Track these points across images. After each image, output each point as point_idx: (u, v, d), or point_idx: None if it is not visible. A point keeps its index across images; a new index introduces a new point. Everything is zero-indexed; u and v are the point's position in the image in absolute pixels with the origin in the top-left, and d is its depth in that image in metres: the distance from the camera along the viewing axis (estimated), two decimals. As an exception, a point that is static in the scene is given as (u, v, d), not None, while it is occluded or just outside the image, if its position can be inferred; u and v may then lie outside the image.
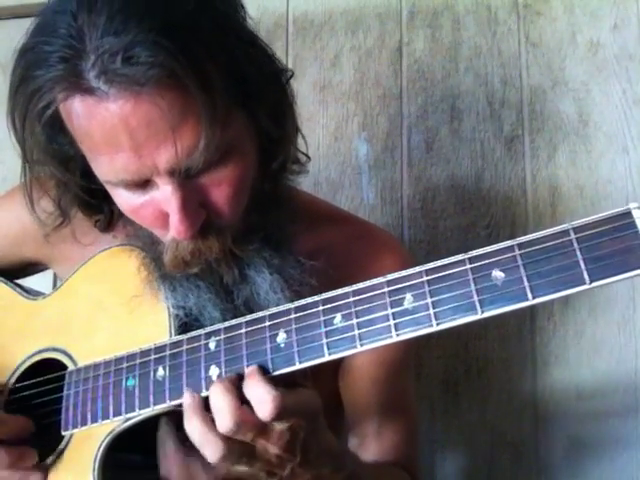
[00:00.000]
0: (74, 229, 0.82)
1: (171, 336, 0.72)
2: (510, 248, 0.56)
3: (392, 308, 0.60)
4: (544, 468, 1.23)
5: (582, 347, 1.24)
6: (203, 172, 0.65)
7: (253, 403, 0.61)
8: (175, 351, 0.70)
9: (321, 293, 0.65)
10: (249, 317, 0.67)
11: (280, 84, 0.73)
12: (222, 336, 0.68)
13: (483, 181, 1.31)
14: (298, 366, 0.63)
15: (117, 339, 0.77)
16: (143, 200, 0.67)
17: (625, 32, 1.28)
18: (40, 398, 0.83)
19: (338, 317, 0.62)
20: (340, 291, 0.63)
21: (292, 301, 0.66)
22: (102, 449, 0.71)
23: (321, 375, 0.87)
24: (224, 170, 0.66)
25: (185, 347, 0.69)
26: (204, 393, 0.66)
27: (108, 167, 0.64)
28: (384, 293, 0.60)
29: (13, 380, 0.85)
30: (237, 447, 0.62)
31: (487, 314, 0.56)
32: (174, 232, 0.66)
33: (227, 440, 0.62)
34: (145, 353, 0.72)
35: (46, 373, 0.83)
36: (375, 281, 0.62)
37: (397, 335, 0.59)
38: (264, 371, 0.64)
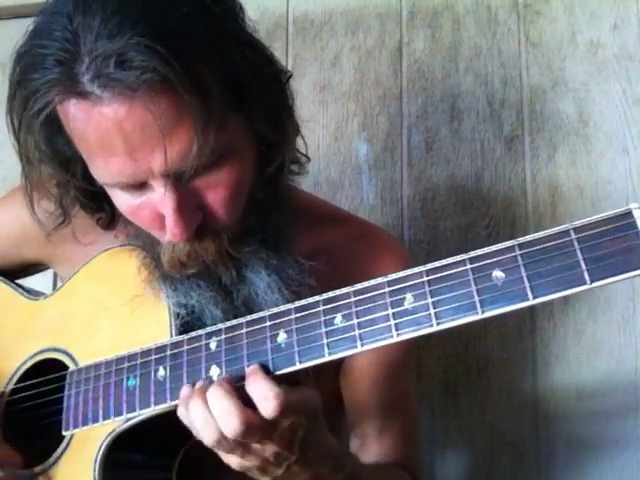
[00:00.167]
0: (74, 229, 0.82)
1: (172, 335, 0.72)
2: (510, 248, 0.56)
3: (392, 308, 0.60)
4: (544, 468, 1.23)
5: (582, 347, 1.24)
6: (199, 175, 0.65)
7: (256, 400, 0.61)
8: (176, 351, 0.70)
9: (321, 293, 0.65)
10: (250, 317, 0.67)
11: (278, 87, 0.73)
12: (223, 336, 0.68)
13: (483, 181, 1.31)
14: (298, 366, 0.63)
15: (118, 339, 0.77)
16: (140, 201, 0.68)
17: (625, 32, 1.28)
18: (41, 398, 0.83)
19: (339, 317, 0.62)
20: (340, 291, 0.63)
21: (290, 301, 0.66)
22: (103, 449, 0.71)
23: (322, 375, 0.87)
24: (220, 173, 0.67)
25: (186, 347, 0.70)
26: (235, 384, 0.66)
27: (104, 170, 0.65)
28: (385, 293, 0.60)
29: (14, 380, 0.85)
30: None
31: (487, 314, 0.56)
32: (169, 234, 0.67)
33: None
34: (146, 353, 0.72)
35: (47, 373, 0.83)
36: (376, 281, 0.62)
37: (397, 335, 0.59)
38: (266, 370, 0.64)
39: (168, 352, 0.70)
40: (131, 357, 0.73)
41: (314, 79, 1.38)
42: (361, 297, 0.62)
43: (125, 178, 0.64)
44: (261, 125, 0.70)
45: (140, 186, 0.66)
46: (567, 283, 0.53)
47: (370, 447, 0.89)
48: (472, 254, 0.58)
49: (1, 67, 1.39)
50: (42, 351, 0.84)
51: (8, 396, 0.85)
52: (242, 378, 0.64)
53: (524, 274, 0.55)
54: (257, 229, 0.74)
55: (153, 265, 0.75)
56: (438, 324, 0.57)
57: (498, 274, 0.56)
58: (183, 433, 0.65)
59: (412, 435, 0.92)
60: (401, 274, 0.60)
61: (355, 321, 0.61)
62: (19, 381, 0.85)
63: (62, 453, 0.77)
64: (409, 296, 0.59)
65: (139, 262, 0.76)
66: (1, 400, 0.84)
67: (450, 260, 0.59)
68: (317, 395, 0.65)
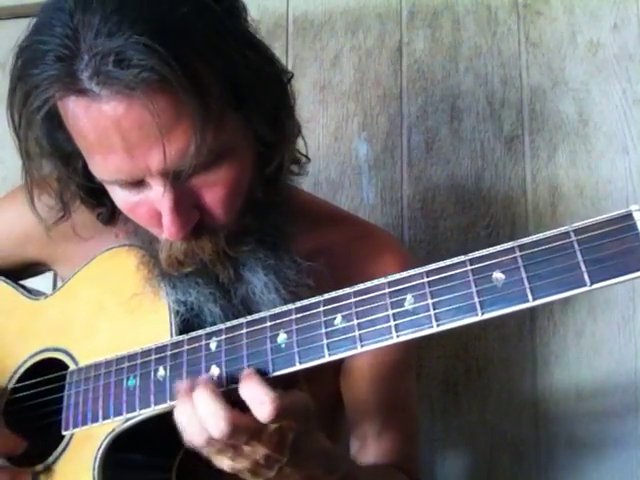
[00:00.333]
0: (74, 224, 0.82)
1: (172, 333, 0.72)
2: (511, 250, 0.56)
3: (393, 309, 0.60)
4: (544, 468, 1.23)
5: (582, 347, 1.24)
6: (197, 174, 0.65)
7: (251, 405, 0.61)
8: (176, 351, 0.70)
9: (320, 294, 0.65)
10: (250, 317, 0.67)
11: (279, 87, 0.73)
12: (223, 336, 0.68)
13: (483, 181, 1.31)
14: (298, 367, 0.63)
15: (118, 338, 0.77)
16: (138, 199, 0.68)
17: (625, 32, 1.28)
18: (41, 398, 0.83)
19: (339, 318, 0.62)
20: (341, 292, 0.63)
21: (288, 302, 0.66)
22: (102, 449, 0.72)
23: (322, 376, 0.88)
24: (218, 172, 0.67)
25: (186, 347, 0.70)
26: (225, 387, 0.66)
27: (102, 167, 0.65)
28: (385, 294, 0.61)
29: (15, 379, 0.85)
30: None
31: (487, 315, 0.56)
32: (166, 233, 0.67)
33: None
34: (146, 353, 0.72)
35: (48, 373, 0.83)
36: (376, 282, 0.62)
37: (398, 336, 0.59)
38: (261, 373, 0.64)
39: (168, 352, 0.70)
40: (131, 357, 0.73)
41: (314, 79, 1.38)
42: (361, 298, 0.62)
43: (123, 175, 0.65)
44: (260, 125, 0.70)
45: (138, 184, 0.66)
46: (567, 285, 0.53)
47: (370, 448, 0.89)
48: (472, 255, 0.58)
49: (1, 67, 1.39)
50: (42, 350, 0.84)
51: (8, 395, 0.85)
52: (235, 381, 0.64)
53: (524, 275, 0.55)
54: (254, 229, 0.74)
55: (152, 263, 0.75)
56: (438, 325, 0.57)
57: (498, 275, 0.56)
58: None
59: (412, 435, 0.92)
60: (401, 275, 0.61)
61: (355, 322, 0.61)
62: (19, 380, 0.85)
63: (62, 452, 0.77)
64: (409, 297, 0.59)
65: (138, 261, 0.76)
66: (1, 399, 0.84)
67: (450, 261, 0.59)
68: (309, 398, 0.65)
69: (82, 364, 0.79)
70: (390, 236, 0.99)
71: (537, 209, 1.28)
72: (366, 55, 1.37)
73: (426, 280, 0.59)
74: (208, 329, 0.70)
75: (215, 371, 0.67)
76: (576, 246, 0.53)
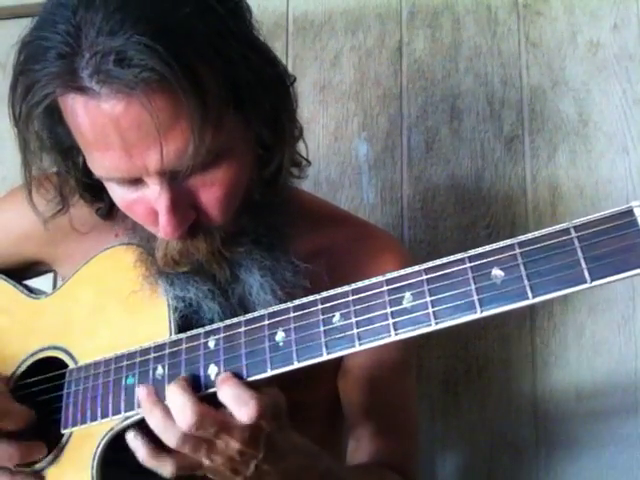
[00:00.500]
0: (72, 217, 0.82)
1: (171, 330, 0.72)
2: (510, 247, 0.56)
3: (391, 307, 0.59)
4: (544, 468, 1.23)
5: (582, 347, 1.24)
6: (194, 174, 0.65)
7: (234, 407, 0.62)
8: (174, 350, 0.70)
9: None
10: (248, 316, 0.67)
11: (280, 89, 0.73)
12: (221, 335, 0.68)
13: (483, 181, 1.31)
14: (297, 365, 0.63)
15: (118, 336, 0.77)
16: (135, 196, 0.68)
17: (625, 32, 1.28)
18: (41, 396, 0.83)
19: (337, 316, 0.62)
20: (339, 290, 0.63)
21: (284, 302, 0.66)
22: (101, 447, 0.71)
23: (322, 375, 0.88)
24: (216, 172, 0.67)
25: (184, 346, 0.69)
26: (203, 392, 0.66)
27: (100, 164, 0.65)
28: (383, 292, 0.60)
29: (15, 378, 0.85)
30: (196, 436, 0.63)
31: (486, 313, 0.56)
32: (162, 232, 0.67)
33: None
34: (145, 351, 0.72)
35: (47, 371, 0.83)
36: (374, 280, 0.61)
37: (396, 334, 0.59)
38: (236, 375, 0.65)
39: (167, 351, 0.70)
40: (130, 355, 0.73)
41: (314, 79, 1.38)
42: (359, 296, 0.61)
43: (120, 173, 0.65)
44: (260, 127, 0.70)
45: (135, 181, 0.66)
46: (567, 282, 0.53)
47: (365, 447, 0.89)
48: (471, 252, 0.58)
49: (1, 67, 1.39)
50: (42, 349, 0.84)
51: (13, 385, 0.85)
52: (196, 379, 0.66)
53: (524, 273, 0.55)
54: (251, 229, 0.75)
55: (149, 261, 0.75)
56: (437, 323, 0.57)
57: (497, 273, 0.56)
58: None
59: (410, 435, 0.92)
60: (400, 273, 0.60)
61: (353, 320, 0.61)
62: (19, 379, 0.85)
63: (61, 451, 0.77)
64: (408, 295, 0.59)
65: (136, 258, 0.76)
66: (6, 390, 0.84)
67: (449, 259, 0.58)
68: (281, 394, 0.66)
69: (81, 363, 0.79)
70: (390, 236, 0.99)
71: (537, 209, 1.28)
72: (366, 55, 1.37)
73: (424, 278, 0.59)
74: (207, 327, 0.69)
75: (214, 370, 0.67)
76: (576, 243, 0.53)
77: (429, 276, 0.59)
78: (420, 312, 0.58)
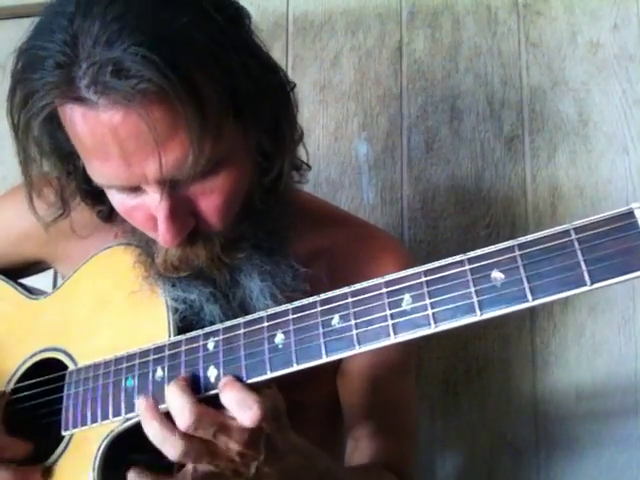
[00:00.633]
0: (72, 221, 0.82)
1: (170, 331, 0.72)
2: (510, 249, 0.56)
3: (390, 309, 0.59)
4: (544, 468, 1.23)
5: (582, 347, 1.24)
6: (194, 182, 0.66)
7: (237, 410, 0.62)
8: (174, 351, 0.70)
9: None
10: (248, 317, 0.67)
11: (280, 97, 0.73)
12: (221, 337, 0.68)
13: (483, 181, 1.30)
14: (296, 367, 0.62)
15: (117, 338, 0.77)
16: (135, 203, 0.68)
17: (625, 32, 1.28)
18: (41, 398, 0.83)
19: (336, 318, 0.62)
20: (338, 292, 0.63)
21: None
22: (102, 449, 0.71)
23: (322, 376, 0.88)
24: (215, 180, 0.67)
25: (184, 348, 0.69)
26: (203, 394, 0.66)
27: (99, 172, 0.65)
28: (382, 294, 0.60)
29: (14, 380, 0.85)
30: (197, 444, 0.63)
31: (486, 316, 0.56)
32: (161, 240, 0.67)
33: (186, 437, 0.63)
34: (144, 353, 0.72)
35: (47, 373, 0.83)
36: (373, 282, 0.61)
37: (395, 336, 0.59)
38: (237, 378, 0.65)
39: (166, 352, 0.70)
40: (129, 357, 0.73)
41: (314, 79, 1.38)
42: (359, 298, 0.61)
43: (120, 182, 0.65)
44: (260, 135, 0.70)
45: (135, 188, 0.66)
46: (567, 284, 0.53)
47: (363, 448, 0.89)
48: (471, 254, 0.57)
49: (1, 67, 1.39)
50: (42, 351, 0.84)
51: (8, 396, 0.84)
52: (195, 380, 0.66)
53: (523, 275, 0.54)
54: (251, 235, 0.75)
55: (148, 263, 0.75)
56: (436, 325, 0.57)
57: (497, 275, 0.56)
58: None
59: (408, 437, 0.92)
60: (399, 275, 0.60)
61: (353, 322, 0.61)
62: (19, 381, 0.85)
63: (61, 453, 0.77)
64: (407, 297, 0.59)
65: (135, 259, 0.77)
66: (1, 400, 0.84)
67: (448, 260, 0.58)
68: (280, 396, 0.66)
69: (81, 364, 0.79)
70: (390, 237, 0.99)
71: (537, 209, 1.28)
72: (366, 55, 1.37)
73: (424, 280, 0.58)
74: (206, 329, 0.69)
75: (213, 372, 0.67)
76: (576, 245, 0.53)
77: (428, 278, 0.58)
78: (419, 314, 0.58)
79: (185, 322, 0.73)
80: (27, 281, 0.97)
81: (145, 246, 0.75)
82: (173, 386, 0.65)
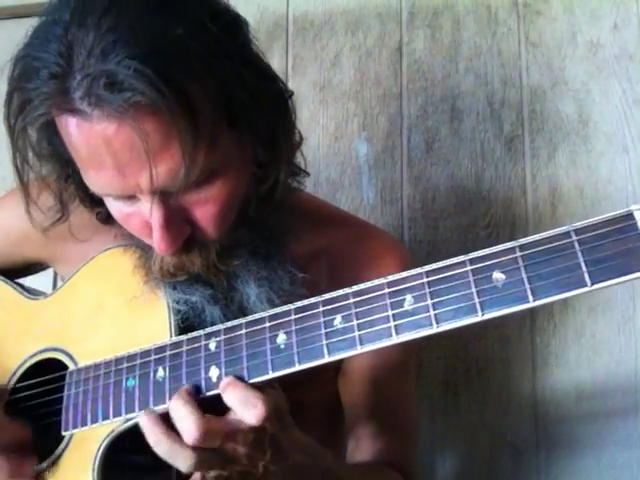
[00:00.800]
0: (71, 225, 0.82)
1: (171, 332, 0.72)
2: (511, 250, 0.56)
3: (392, 309, 0.59)
4: (544, 468, 1.23)
5: (582, 347, 1.24)
6: (188, 191, 0.66)
7: (241, 409, 0.62)
8: (175, 352, 0.70)
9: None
10: (249, 318, 0.67)
11: (276, 107, 0.73)
12: (222, 337, 0.68)
13: (483, 181, 1.31)
14: (298, 367, 0.63)
15: (118, 338, 0.77)
16: (131, 210, 0.69)
17: (625, 32, 1.28)
18: (41, 398, 0.83)
19: (338, 318, 0.62)
20: (340, 292, 0.63)
21: None
22: (102, 449, 0.71)
23: (323, 376, 0.88)
24: (211, 189, 0.67)
25: (185, 348, 0.69)
26: (204, 394, 0.66)
27: (95, 181, 0.66)
28: (384, 294, 0.60)
29: (14, 380, 0.85)
30: (207, 454, 0.63)
31: (487, 316, 0.56)
32: (156, 248, 0.68)
33: (196, 449, 0.62)
34: (145, 353, 0.72)
35: (47, 373, 0.83)
36: (375, 282, 0.61)
37: (397, 337, 0.59)
38: (240, 378, 0.65)
39: (167, 352, 0.70)
40: (130, 357, 0.73)
41: (314, 79, 1.38)
42: (361, 298, 0.61)
43: (114, 191, 0.66)
44: (256, 145, 0.70)
45: (131, 197, 0.67)
46: (568, 285, 0.53)
47: (365, 447, 0.89)
48: (472, 255, 0.57)
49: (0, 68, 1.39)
50: (42, 351, 0.84)
51: (8, 396, 0.84)
52: (197, 389, 0.66)
53: (524, 276, 0.55)
54: (247, 241, 0.75)
55: (147, 266, 0.75)
56: (438, 326, 0.57)
57: (498, 276, 0.56)
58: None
59: (409, 436, 0.92)
60: (401, 275, 0.60)
61: (355, 322, 0.61)
62: (19, 381, 0.85)
63: (62, 453, 0.77)
64: (409, 297, 0.59)
65: (135, 262, 0.77)
66: (1, 400, 0.84)
67: (450, 261, 0.58)
68: (283, 395, 0.66)
69: (81, 364, 0.79)
70: (390, 237, 0.99)
71: (537, 209, 1.28)
72: (366, 55, 1.37)
73: (426, 280, 0.59)
74: (208, 329, 0.69)
75: (215, 372, 0.67)
76: (577, 246, 0.53)
77: (430, 279, 0.59)
78: (421, 315, 0.58)
79: (187, 323, 0.73)
80: (27, 281, 0.97)
81: (143, 250, 0.75)
82: (177, 400, 0.64)
